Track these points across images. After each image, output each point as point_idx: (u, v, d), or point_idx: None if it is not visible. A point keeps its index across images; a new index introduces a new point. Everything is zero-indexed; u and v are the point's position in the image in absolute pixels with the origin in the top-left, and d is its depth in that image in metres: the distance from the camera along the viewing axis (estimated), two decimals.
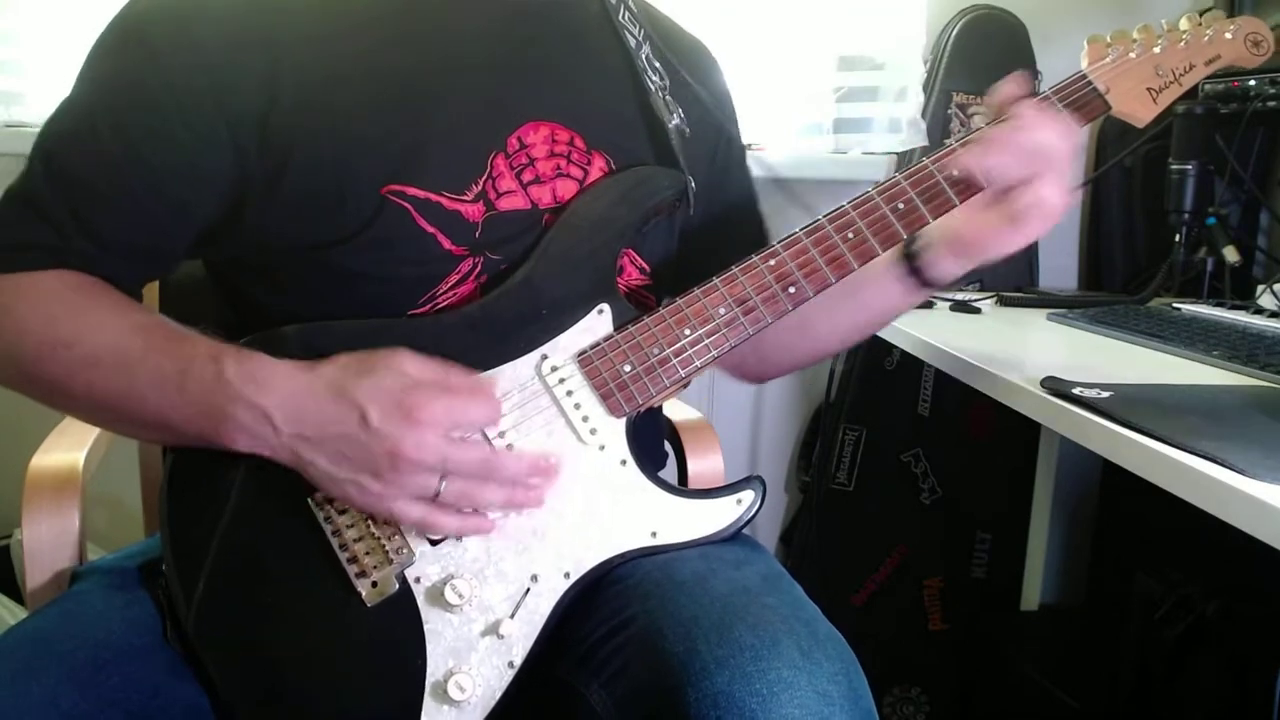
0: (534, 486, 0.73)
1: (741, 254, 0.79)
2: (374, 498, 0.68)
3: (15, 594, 1.51)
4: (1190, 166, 1.48)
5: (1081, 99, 0.84)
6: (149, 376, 0.70)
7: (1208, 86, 1.50)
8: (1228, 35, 0.89)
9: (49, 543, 0.86)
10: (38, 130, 0.75)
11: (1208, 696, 1.25)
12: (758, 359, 0.99)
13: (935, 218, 0.81)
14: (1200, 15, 0.90)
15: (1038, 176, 0.78)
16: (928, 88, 1.70)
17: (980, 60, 1.69)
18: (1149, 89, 0.87)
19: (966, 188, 0.81)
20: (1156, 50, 0.87)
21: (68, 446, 0.93)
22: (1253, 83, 1.44)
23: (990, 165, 0.79)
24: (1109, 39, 0.87)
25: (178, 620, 0.72)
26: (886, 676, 1.77)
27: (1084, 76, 0.85)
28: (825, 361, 1.71)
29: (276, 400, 0.68)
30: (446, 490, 0.68)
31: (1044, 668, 1.44)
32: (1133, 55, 0.86)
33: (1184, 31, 0.88)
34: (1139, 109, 0.87)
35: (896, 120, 1.71)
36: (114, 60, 0.74)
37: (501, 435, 0.75)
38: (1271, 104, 1.42)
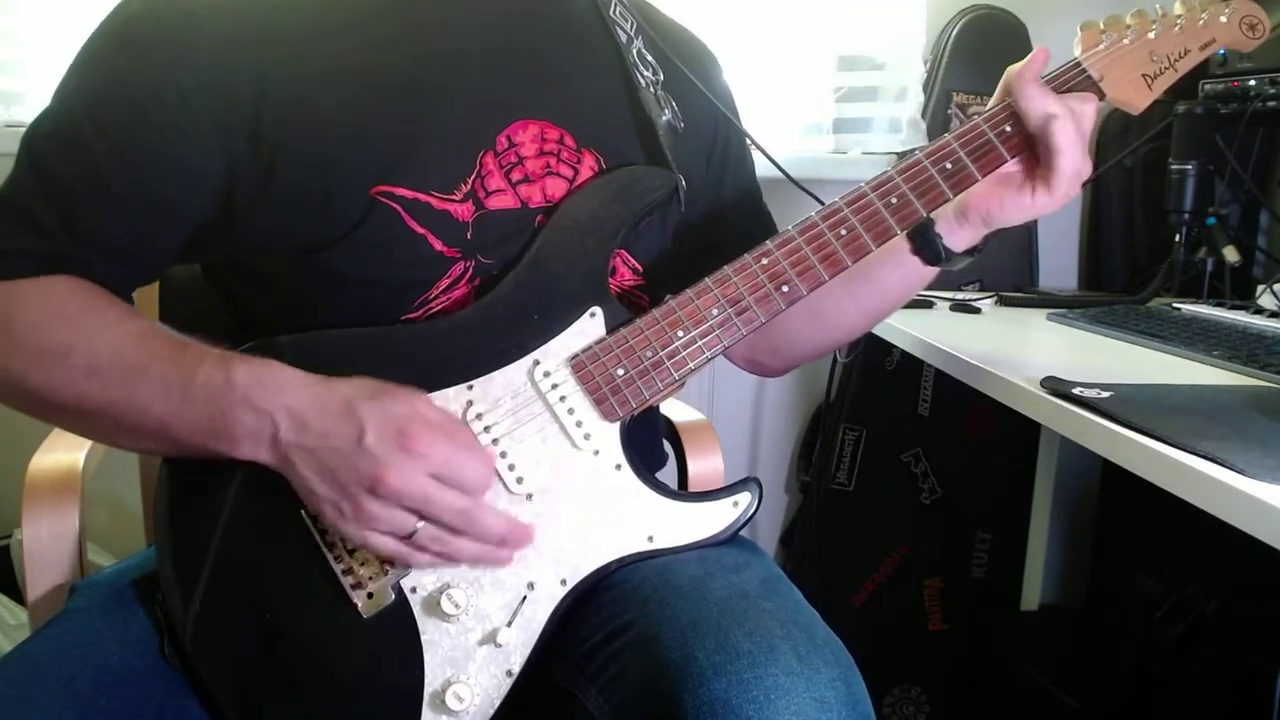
0: (503, 553, 0.72)
1: (743, 251, 0.79)
2: (350, 523, 0.67)
3: (15, 594, 1.51)
4: (1190, 166, 1.48)
5: (1075, 87, 0.83)
6: (152, 384, 0.69)
7: (1208, 86, 1.50)
8: (1223, 19, 0.87)
9: (49, 543, 0.86)
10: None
11: (1208, 696, 1.25)
12: (771, 351, 0.99)
13: (929, 211, 0.81)
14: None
15: (1066, 138, 0.79)
16: (928, 88, 1.70)
17: (980, 60, 1.69)
18: (1144, 75, 0.85)
19: (961, 180, 0.81)
20: (1151, 36, 0.86)
21: (68, 446, 0.93)
22: (1253, 83, 1.44)
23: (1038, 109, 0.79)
24: (1102, 25, 0.85)
25: (175, 637, 0.72)
26: (886, 676, 1.77)
27: (1078, 64, 0.84)
28: (826, 360, 1.70)
29: (284, 406, 0.68)
30: (422, 532, 0.68)
31: (1044, 668, 1.44)
32: (1127, 41, 0.85)
33: (1179, 16, 0.87)
34: (1134, 96, 0.86)
35: (896, 120, 1.71)
36: (102, 61, 0.73)
37: (495, 442, 0.74)
38: (1271, 104, 1.41)
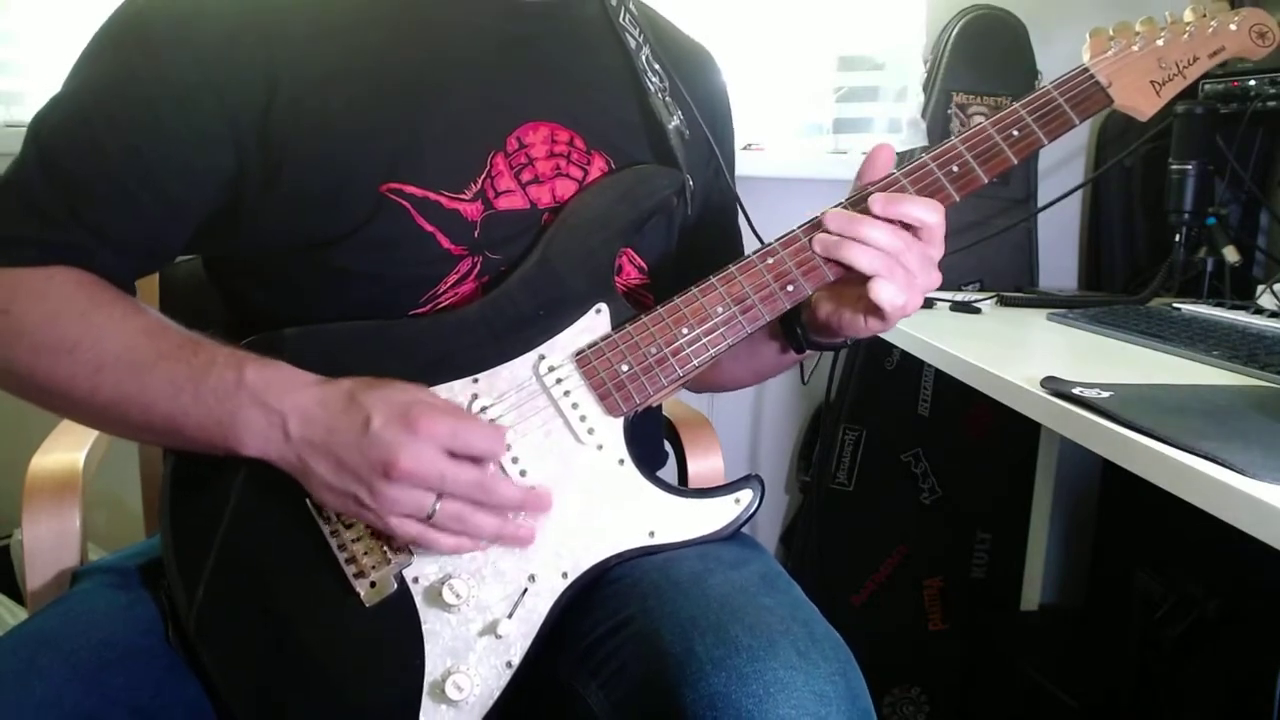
0: (523, 525, 0.73)
1: (718, 262, 0.79)
2: (370, 512, 0.69)
3: (15, 594, 1.51)
4: (1190, 166, 1.48)
5: (1083, 93, 0.83)
6: (161, 381, 0.70)
7: (1208, 86, 1.50)
8: (1232, 27, 0.88)
9: (49, 543, 0.86)
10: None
11: (1208, 696, 1.25)
12: None
13: None
14: (1204, 7, 0.89)
15: (877, 274, 0.74)
16: (928, 88, 1.70)
17: (980, 60, 1.68)
18: (1152, 82, 0.86)
19: (967, 182, 0.81)
20: (1159, 43, 0.86)
21: (68, 446, 0.93)
22: (1253, 83, 1.44)
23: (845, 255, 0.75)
24: (1111, 32, 0.86)
25: (179, 622, 0.73)
26: (886, 676, 1.77)
27: (1086, 70, 0.84)
28: (826, 360, 1.70)
29: (292, 405, 0.68)
30: (440, 511, 0.69)
31: (1044, 668, 1.44)
32: (1135, 48, 0.85)
33: (1188, 23, 0.87)
34: (1142, 102, 0.86)
35: (896, 120, 1.71)
36: (111, 55, 0.73)
37: None
38: (1271, 104, 1.41)
